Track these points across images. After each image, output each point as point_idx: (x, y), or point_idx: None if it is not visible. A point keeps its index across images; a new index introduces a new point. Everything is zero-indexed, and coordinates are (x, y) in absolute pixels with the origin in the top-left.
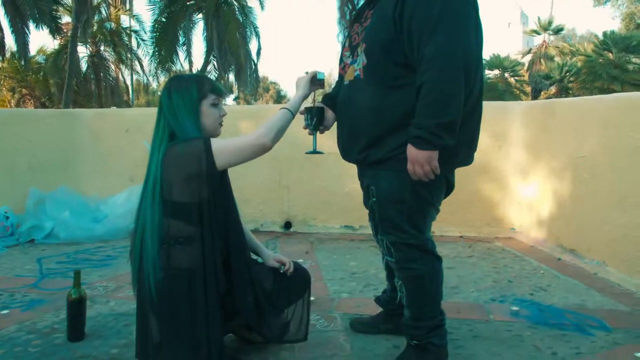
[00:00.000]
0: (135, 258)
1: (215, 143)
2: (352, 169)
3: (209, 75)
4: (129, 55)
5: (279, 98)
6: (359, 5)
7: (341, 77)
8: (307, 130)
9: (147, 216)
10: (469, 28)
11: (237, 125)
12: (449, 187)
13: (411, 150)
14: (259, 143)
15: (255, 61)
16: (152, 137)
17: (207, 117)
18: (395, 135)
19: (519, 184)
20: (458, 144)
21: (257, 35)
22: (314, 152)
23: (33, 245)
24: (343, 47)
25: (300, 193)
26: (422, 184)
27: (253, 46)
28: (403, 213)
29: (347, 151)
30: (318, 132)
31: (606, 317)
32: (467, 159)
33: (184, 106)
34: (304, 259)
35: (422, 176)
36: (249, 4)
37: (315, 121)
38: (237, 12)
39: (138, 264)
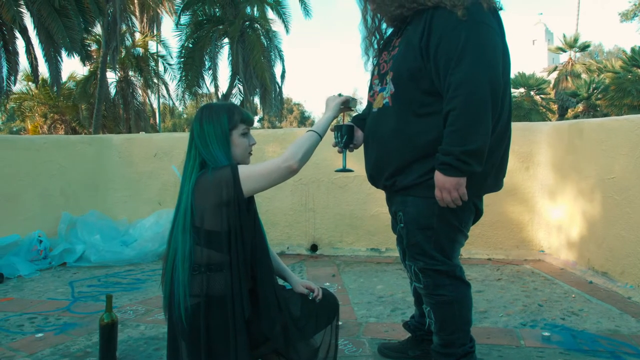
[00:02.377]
0: (167, 283)
1: (242, 169)
2: (378, 192)
3: (234, 99)
4: (155, 80)
5: (303, 119)
6: (387, 34)
7: (370, 104)
8: (337, 149)
9: (179, 243)
10: (495, 55)
11: (263, 149)
12: (477, 213)
13: (438, 177)
14: (286, 165)
15: (280, 84)
16: (184, 165)
17: (237, 147)
18: (422, 162)
19: (547, 205)
20: (486, 170)
21: (282, 59)
22: (344, 169)
23: (65, 268)
24: (372, 75)
25: (326, 216)
26: (450, 210)
27: (277, 69)
28: (431, 239)
29: (375, 177)
30: (347, 150)
31: None
32: (496, 185)
33: (215, 136)
34: (330, 282)
35: (450, 203)
36: (274, 28)
37: (346, 139)
38: (262, 37)
39: (169, 290)
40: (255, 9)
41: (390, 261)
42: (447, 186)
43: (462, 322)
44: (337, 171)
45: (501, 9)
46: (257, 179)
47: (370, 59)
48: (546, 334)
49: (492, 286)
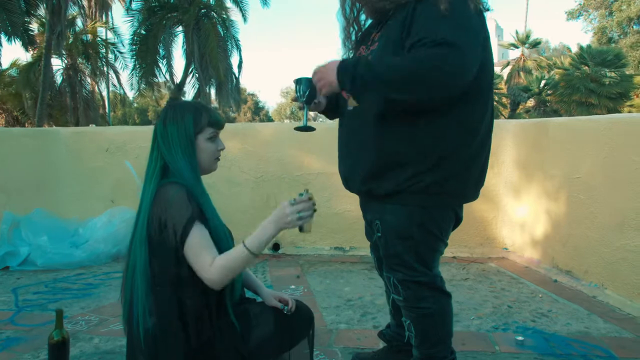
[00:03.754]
0: (126, 297)
1: (193, 235)
2: (342, 190)
3: (188, 89)
4: (104, 69)
5: (257, 110)
6: (366, 26)
7: (343, 101)
8: (296, 104)
9: (137, 255)
10: (474, 52)
11: (224, 139)
12: (457, 221)
13: (331, 65)
14: (207, 277)
15: (237, 75)
16: (146, 166)
17: (202, 152)
18: (402, 167)
19: (511, 203)
20: (468, 180)
21: (239, 49)
22: (305, 127)
23: (7, 273)
24: None
25: None
26: (430, 218)
27: (234, 60)
28: (411, 249)
29: (350, 180)
30: (309, 107)
31: (612, 345)
32: (475, 194)
33: (179, 139)
34: (295, 284)
35: (317, 84)
36: (231, 17)
37: (308, 93)
38: (218, 25)
39: (129, 304)
40: None
41: (355, 260)
42: (326, 76)
43: (443, 334)
44: (296, 129)
45: (488, 9)
46: (191, 257)
47: (348, 52)
48: (520, 338)
49: (461, 287)
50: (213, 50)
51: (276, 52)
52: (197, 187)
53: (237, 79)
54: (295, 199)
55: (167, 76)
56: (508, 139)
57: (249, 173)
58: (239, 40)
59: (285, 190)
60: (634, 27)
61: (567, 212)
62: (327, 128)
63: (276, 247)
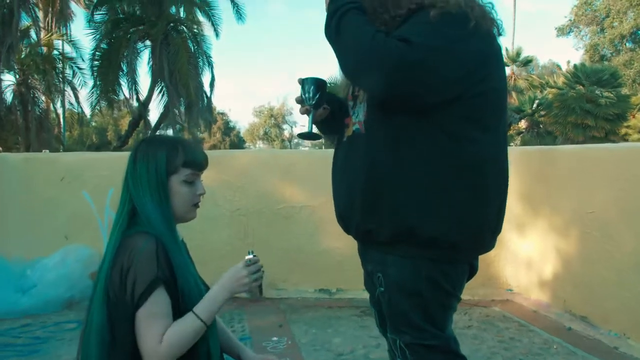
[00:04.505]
0: None
1: (151, 301)
2: (328, 224)
3: (153, 109)
4: (61, 85)
5: (227, 130)
6: None
7: (342, 129)
8: (301, 108)
9: (94, 314)
10: (432, 59)
11: None
12: (472, 271)
13: None
14: (152, 355)
15: (209, 94)
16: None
17: (177, 197)
18: (406, 207)
19: (515, 239)
20: (483, 227)
21: (211, 66)
22: (310, 134)
23: None
24: (346, 96)
25: (268, 251)
26: (441, 272)
27: (206, 78)
28: (419, 308)
29: (346, 221)
30: (316, 112)
31: None
32: (492, 243)
33: (148, 180)
34: (278, 334)
35: None
36: (203, 32)
37: (318, 96)
38: (188, 40)
39: None
40: (182, 9)
41: (343, 304)
42: None
43: None
44: (300, 135)
45: (501, 34)
46: (138, 330)
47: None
48: None
49: (464, 336)
50: (183, 67)
51: (249, 68)
52: (169, 239)
53: (209, 98)
54: (249, 259)
55: (130, 94)
56: (510, 168)
57: (224, 206)
58: (211, 57)
59: (264, 226)
60: (627, 44)
61: (578, 250)
62: (311, 155)
63: None
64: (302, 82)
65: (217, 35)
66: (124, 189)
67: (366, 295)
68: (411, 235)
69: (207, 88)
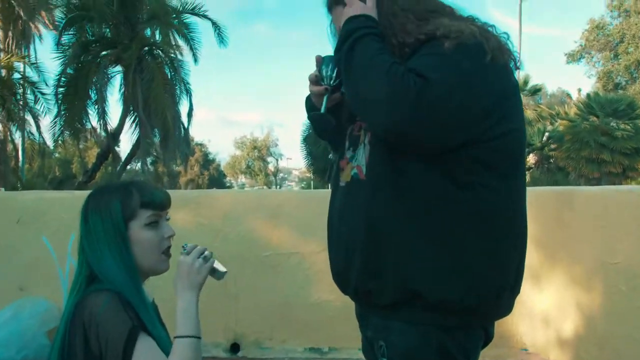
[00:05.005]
0: None
1: (140, 350)
2: (320, 274)
3: (125, 141)
4: (20, 113)
5: (206, 163)
6: None
7: (338, 173)
8: (314, 86)
9: None
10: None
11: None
12: (487, 338)
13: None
14: None
15: (186, 124)
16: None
17: (140, 245)
18: (411, 266)
19: (530, 292)
20: (501, 287)
21: (189, 94)
22: (322, 116)
23: None
24: (343, 133)
25: (252, 304)
26: (453, 340)
27: (183, 106)
28: None
29: (343, 280)
30: (332, 95)
31: None
32: (510, 306)
33: (104, 232)
34: None
35: None
36: (181, 57)
37: (339, 81)
38: (165, 66)
39: None
40: (157, 31)
41: None
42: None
43: None
44: (311, 116)
45: (519, 68)
46: None
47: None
48: None
49: None
50: (158, 95)
51: (230, 95)
52: (133, 295)
53: (186, 129)
54: (184, 247)
55: (99, 123)
56: None
57: None
58: (189, 84)
59: (248, 275)
60: None
61: (603, 305)
62: (302, 196)
63: (235, 348)
64: (323, 59)
65: (195, 60)
66: (79, 253)
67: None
68: (417, 297)
69: (184, 118)
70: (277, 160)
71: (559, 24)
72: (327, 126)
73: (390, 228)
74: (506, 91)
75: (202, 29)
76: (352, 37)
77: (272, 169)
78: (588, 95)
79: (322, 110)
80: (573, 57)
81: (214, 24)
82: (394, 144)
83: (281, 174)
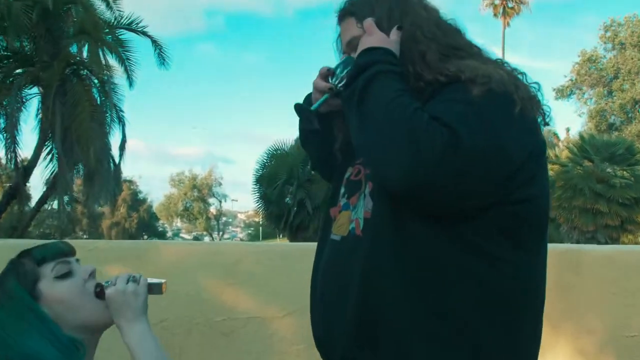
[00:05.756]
0: None
1: None
2: (283, 343)
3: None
4: None
5: (136, 203)
6: None
7: (327, 223)
8: (320, 81)
9: None
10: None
11: (101, 272)
12: None
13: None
14: None
15: (117, 159)
16: None
17: (63, 304)
18: (412, 340)
19: None
20: None
21: (122, 123)
22: (309, 111)
23: None
24: (337, 178)
25: None
26: None
27: (115, 138)
28: None
29: (328, 349)
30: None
31: None
32: None
33: (16, 322)
34: None
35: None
36: (114, 79)
37: (345, 82)
38: (93, 89)
39: None
40: (85, 48)
41: None
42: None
43: None
44: (297, 106)
45: (547, 124)
46: None
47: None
48: None
49: None
50: (83, 123)
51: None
52: None
53: (117, 165)
54: (106, 283)
55: (8, 155)
56: None
57: None
58: (122, 112)
59: (196, 344)
60: None
61: None
62: (263, 250)
63: None
64: (346, 59)
65: (130, 84)
66: None
67: None
68: None
69: (115, 151)
70: (220, 201)
71: (546, 55)
72: (307, 125)
73: (392, 297)
74: (535, 150)
75: (139, 47)
76: (368, 71)
77: (215, 212)
78: (582, 137)
79: (313, 107)
80: (562, 93)
81: (154, 41)
82: (402, 200)
83: (224, 218)
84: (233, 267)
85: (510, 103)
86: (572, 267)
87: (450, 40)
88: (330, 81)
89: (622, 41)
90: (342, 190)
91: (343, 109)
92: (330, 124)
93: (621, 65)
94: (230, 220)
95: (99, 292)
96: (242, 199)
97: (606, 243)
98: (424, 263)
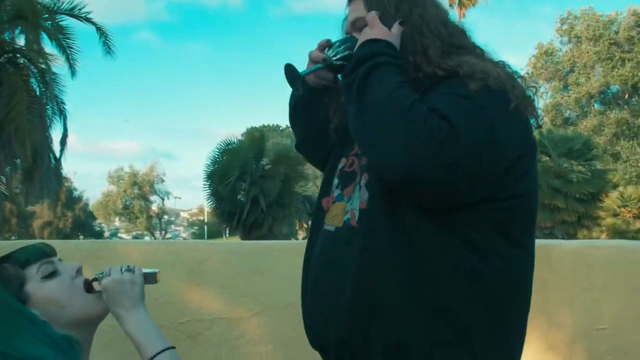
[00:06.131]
0: None
1: None
2: (250, 345)
3: None
4: None
5: (70, 201)
6: None
7: (320, 213)
8: (315, 51)
9: None
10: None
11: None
12: None
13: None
14: None
15: (58, 154)
16: None
17: (54, 302)
18: (408, 333)
19: None
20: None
21: (64, 116)
22: (295, 75)
23: None
24: (330, 167)
25: None
26: None
27: (56, 130)
28: None
29: (321, 333)
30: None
31: None
32: None
33: (6, 326)
34: None
35: None
36: (55, 68)
37: (342, 63)
38: (32, 79)
39: None
40: (24, 36)
41: None
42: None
43: None
44: (287, 66)
45: (540, 127)
46: None
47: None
48: None
49: None
50: (21, 115)
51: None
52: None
53: (58, 160)
54: (99, 274)
55: None
56: None
57: (103, 321)
58: (64, 103)
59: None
60: (595, 106)
61: None
62: (229, 249)
63: None
64: (349, 37)
65: (72, 73)
66: None
67: None
68: None
69: (56, 145)
70: (162, 199)
71: (503, 47)
72: (293, 87)
73: (386, 288)
74: (527, 147)
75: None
76: (368, 62)
77: (156, 210)
78: (540, 132)
79: (302, 72)
80: None
81: (99, 29)
82: (399, 192)
83: (166, 217)
84: (198, 266)
85: (506, 100)
86: (543, 262)
87: (455, 40)
88: (326, 53)
89: (578, 34)
90: (336, 181)
91: (343, 98)
92: (322, 101)
93: (577, 58)
94: (172, 219)
95: (89, 287)
96: (185, 197)
97: (563, 239)
98: (418, 254)
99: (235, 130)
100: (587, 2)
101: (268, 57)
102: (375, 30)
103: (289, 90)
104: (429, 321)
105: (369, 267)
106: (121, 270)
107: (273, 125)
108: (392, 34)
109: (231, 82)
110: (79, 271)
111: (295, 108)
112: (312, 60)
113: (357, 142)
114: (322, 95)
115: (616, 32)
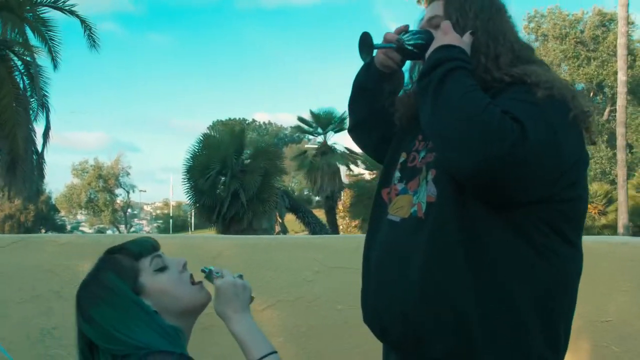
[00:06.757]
0: None
1: None
2: (264, 334)
3: None
4: None
5: (32, 194)
6: None
7: (382, 204)
8: (391, 34)
9: None
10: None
11: (71, 267)
12: None
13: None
14: None
15: (40, 149)
16: None
17: (166, 294)
18: (473, 322)
19: None
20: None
21: (46, 109)
22: (369, 45)
23: None
24: (389, 160)
25: None
26: None
27: (39, 125)
28: None
29: (385, 323)
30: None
31: None
32: None
33: (122, 315)
34: None
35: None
36: (39, 61)
37: (412, 49)
38: (16, 72)
39: None
40: (8, 27)
41: None
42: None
43: None
44: (363, 35)
45: (593, 143)
46: None
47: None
48: None
49: None
50: (7, 108)
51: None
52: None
53: (41, 155)
54: (208, 270)
55: None
56: None
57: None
58: (48, 97)
59: None
60: None
61: None
62: (241, 243)
63: None
64: (425, 31)
65: (55, 66)
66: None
67: None
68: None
69: (39, 139)
70: (128, 193)
71: None
72: (362, 53)
73: (452, 276)
74: (582, 156)
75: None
76: (445, 65)
77: (121, 203)
78: None
79: (376, 44)
80: None
81: (83, 21)
82: (467, 187)
83: (129, 210)
84: (212, 261)
85: (567, 109)
86: None
87: (524, 54)
88: (400, 37)
89: (544, 33)
90: (398, 174)
91: (416, 99)
92: (383, 88)
93: (544, 56)
94: (136, 212)
95: (193, 281)
96: (149, 190)
97: None
98: (482, 245)
99: (199, 123)
100: (554, 1)
101: (234, 50)
102: (449, 37)
103: (254, 85)
104: (490, 304)
105: (437, 254)
106: (224, 274)
107: (240, 118)
108: (464, 42)
109: (196, 74)
110: (184, 265)
111: (358, 90)
112: (387, 40)
113: (432, 139)
114: (385, 82)
115: (582, 31)
